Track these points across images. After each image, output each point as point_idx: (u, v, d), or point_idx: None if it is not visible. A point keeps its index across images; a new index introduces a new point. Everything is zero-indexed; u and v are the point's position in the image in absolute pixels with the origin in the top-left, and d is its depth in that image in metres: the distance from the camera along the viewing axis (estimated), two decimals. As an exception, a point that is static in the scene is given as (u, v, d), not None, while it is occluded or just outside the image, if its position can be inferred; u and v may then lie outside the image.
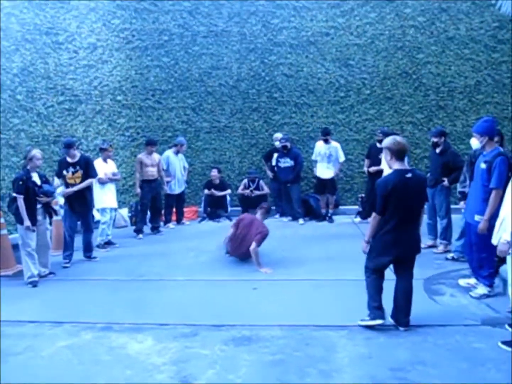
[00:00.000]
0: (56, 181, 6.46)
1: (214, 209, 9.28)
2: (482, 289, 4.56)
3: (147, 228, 8.19)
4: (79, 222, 6.64)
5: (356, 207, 9.26)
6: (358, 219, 8.61)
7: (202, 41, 9.74)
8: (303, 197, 9.12)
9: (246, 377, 3.20)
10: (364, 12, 9.60)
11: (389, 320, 3.90)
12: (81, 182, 6.31)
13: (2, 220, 6.26)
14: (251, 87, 9.85)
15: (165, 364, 3.41)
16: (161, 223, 8.49)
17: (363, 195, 8.95)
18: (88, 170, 6.40)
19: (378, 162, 7.91)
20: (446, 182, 6.11)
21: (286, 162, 8.63)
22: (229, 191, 9.39)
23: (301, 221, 8.57)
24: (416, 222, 3.89)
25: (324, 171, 8.69)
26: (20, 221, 5.35)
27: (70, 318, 4.37)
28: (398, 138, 3.94)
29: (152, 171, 7.93)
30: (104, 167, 7.25)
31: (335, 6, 9.64)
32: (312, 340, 3.72)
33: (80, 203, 6.37)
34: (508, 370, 3.09)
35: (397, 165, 3.81)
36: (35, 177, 5.56)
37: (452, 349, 3.48)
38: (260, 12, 9.73)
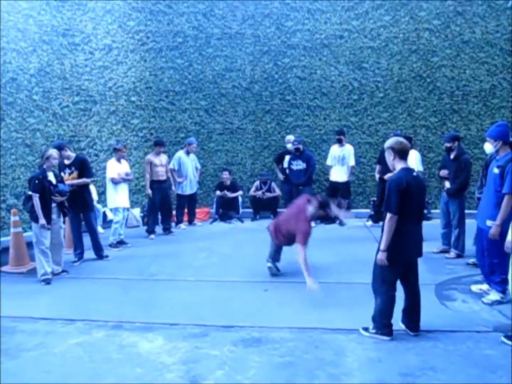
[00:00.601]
0: None
1: (226, 210, 9.31)
2: (494, 295, 4.50)
3: (159, 229, 8.25)
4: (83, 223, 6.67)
5: (368, 210, 9.22)
6: (370, 222, 8.57)
7: (216, 43, 9.80)
8: (314, 200, 9.09)
9: (255, 378, 3.21)
10: (379, 15, 9.57)
11: (400, 325, 3.87)
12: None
13: (17, 218, 6.37)
14: (264, 89, 9.88)
15: (174, 364, 3.43)
16: (173, 224, 8.55)
17: (375, 198, 8.90)
18: (82, 170, 6.39)
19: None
20: (446, 187, 6.06)
21: (299, 165, 8.62)
22: (240, 192, 9.42)
23: (312, 223, 8.54)
24: (421, 223, 3.78)
25: (339, 174, 8.67)
26: (35, 219, 5.43)
27: (82, 316, 4.42)
28: (399, 138, 3.89)
29: (162, 171, 8.00)
30: (117, 167, 7.32)
31: (349, 8, 9.63)
32: (321, 343, 3.71)
33: (77, 204, 6.31)
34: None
35: (402, 165, 3.71)
36: (51, 176, 5.64)
37: (463, 355, 3.45)
38: (274, 15, 9.76)
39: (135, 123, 9.55)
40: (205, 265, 6.21)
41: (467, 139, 9.37)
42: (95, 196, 8.49)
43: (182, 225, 8.74)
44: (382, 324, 3.75)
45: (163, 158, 8.12)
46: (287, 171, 8.96)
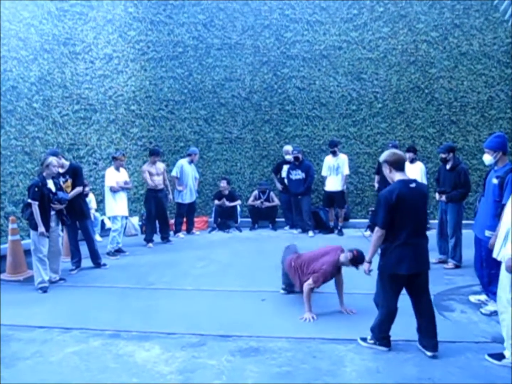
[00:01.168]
0: None
1: (224, 219, 9.31)
2: (493, 306, 4.49)
3: (157, 237, 8.24)
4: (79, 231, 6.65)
5: (366, 220, 9.22)
6: (368, 232, 8.57)
7: (216, 53, 9.87)
8: (313, 210, 9.11)
9: (253, 388, 3.19)
10: (377, 27, 9.66)
11: (418, 347, 3.73)
12: (71, 191, 6.29)
13: (15, 226, 6.36)
14: (264, 99, 9.93)
15: (171, 373, 3.41)
16: (171, 233, 8.53)
17: (373, 208, 8.91)
18: (75, 179, 6.39)
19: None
20: (443, 197, 6.08)
21: (298, 174, 8.64)
22: (239, 201, 9.43)
23: (310, 233, 8.56)
24: (424, 234, 3.68)
25: (333, 184, 8.68)
26: (34, 227, 5.42)
27: (79, 324, 4.40)
28: (393, 150, 3.87)
29: (158, 180, 7.99)
30: (116, 176, 7.33)
31: (348, 20, 9.72)
32: (319, 353, 3.70)
33: (73, 212, 6.25)
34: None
35: (398, 176, 3.64)
36: (50, 184, 5.65)
37: (462, 366, 3.44)
38: (273, 26, 9.85)
39: (135, 131, 9.57)
40: (203, 274, 6.19)
41: (465, 150, 9.42)
42: (94, 204, 8.50)
43: (181, 234, 8.73)
44: (380, 337, 3.74)
45: (160, 166, 8.12)
46: (286, 180, 8.98)
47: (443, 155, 6.16)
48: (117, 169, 7.39)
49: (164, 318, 4.58)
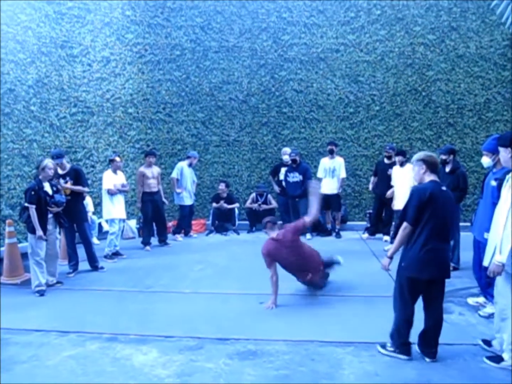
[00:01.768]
0: None
1: (222, 222, 9.30)
2: (491, 308, 4.49)
3: (154, 240, 8.22)
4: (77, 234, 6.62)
5: (364, 223, 9.23)
6: (366, 235, 8.57)
7: (214, 56, 9.89)
8: (310, 212, 9.09)
9: (251, 391, 3.18)
10: (374, 30, 9.70)
11: (416, 349, 3.69)
12: (71, 193, 6.28)
13: (12, 229, 6.33)
14: (261, 101, 9.94)
15: (169, 377, 3.39)
16: (169, 235, 8.52)
17: (371, 211, 8.92)
18: (77, 180, 6.36)
19: (385, 179, 7.88)
20: None
21: (295, 177, 8.64)
22: (237, 204, 9.42)
23: (308, 236, 8.55)
24: (447, 239, 3.55)
25: (329, 186, 8.65)
26: (31, 230, 5.39)
27: (76, 328, 4.38)
28: (428, 152, 3.77)
29: (153, 183, 7.97)
30: (113, 178, 7.31)
31: (345, 23, 9.75)
32: (317, 356, 3.69)
33: (71, 215, 6.17)
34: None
35: (432, 178, 3.55)
36: (47, 187, 5.63)
37: (460, 369, 3.43)
38: (271, 29, 9.87)
39: (132, 134, 9.56)
40: (201, 277, 6.17)
41: (462, 152, 9.44)
42: (91, 207, 8.48)
43: (179, 237, 8.72)
44: (399, 342, 3.62)
45: (155, 170, 8.10)
46: (284, 183, 8.97)
47: (443, 157, 6.15)
48: (115, 171, 7.38)
49: (161, 321, 4.55)
